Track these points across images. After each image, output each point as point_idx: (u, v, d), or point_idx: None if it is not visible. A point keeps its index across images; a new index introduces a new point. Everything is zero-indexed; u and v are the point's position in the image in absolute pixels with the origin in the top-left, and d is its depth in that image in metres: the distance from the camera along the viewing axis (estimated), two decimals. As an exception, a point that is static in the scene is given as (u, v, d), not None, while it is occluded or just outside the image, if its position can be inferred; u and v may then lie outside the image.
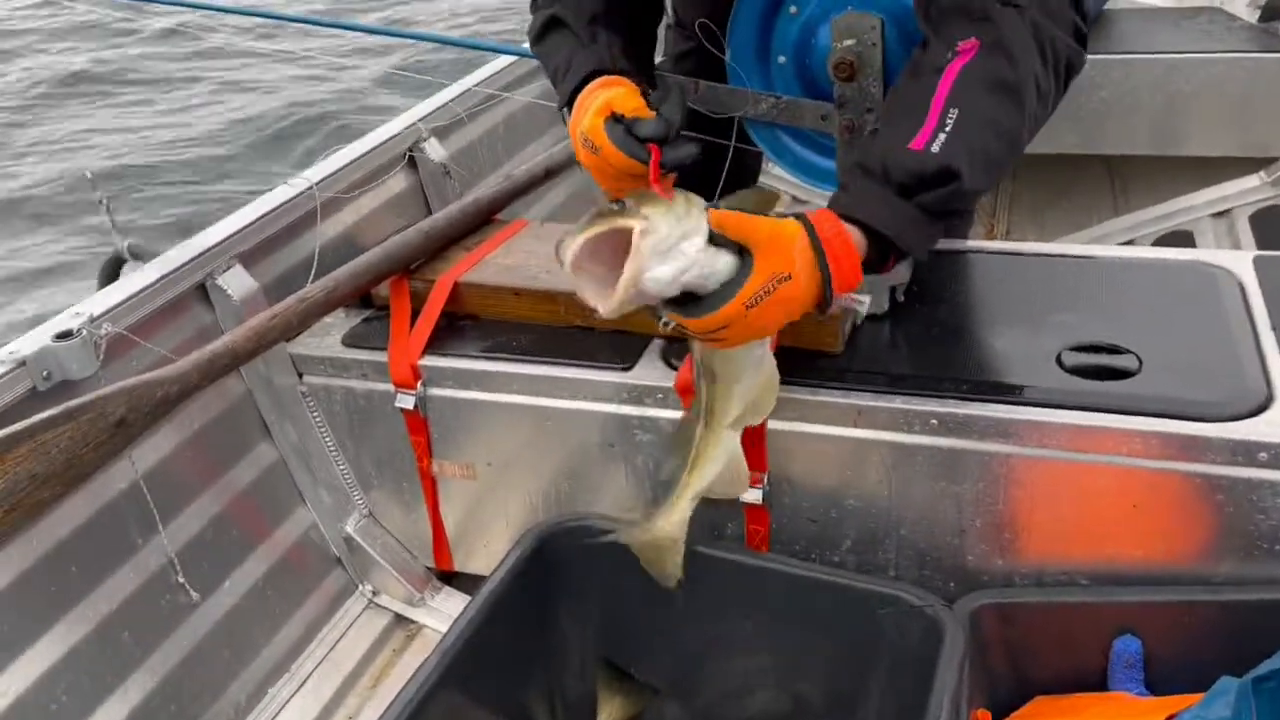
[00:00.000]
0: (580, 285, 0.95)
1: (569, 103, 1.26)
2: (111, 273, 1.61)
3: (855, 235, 1.03)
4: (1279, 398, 1.11)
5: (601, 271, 0.94)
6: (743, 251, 0.96)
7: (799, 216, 1.02)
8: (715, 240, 0.95)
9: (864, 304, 1.19)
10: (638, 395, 1.30)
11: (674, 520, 1.13)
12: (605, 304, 0.93)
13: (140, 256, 1.61)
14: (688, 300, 0.96)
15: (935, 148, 1.03)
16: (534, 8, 1.42)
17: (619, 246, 0.91)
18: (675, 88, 1.20)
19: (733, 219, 0.96)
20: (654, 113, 1.11)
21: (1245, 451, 1.07)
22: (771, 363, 1.11)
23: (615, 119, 1.13)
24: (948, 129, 1.03)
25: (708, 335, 0.98)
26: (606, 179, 1.17)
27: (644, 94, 1.20)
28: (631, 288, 0.90)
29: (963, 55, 1.06)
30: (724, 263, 0.95)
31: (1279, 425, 1.08)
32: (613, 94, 1.18)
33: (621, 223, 0.91)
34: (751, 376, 1.09)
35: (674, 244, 0.91)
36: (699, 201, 0.96)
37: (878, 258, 1.06)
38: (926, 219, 1.06)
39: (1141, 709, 1.07)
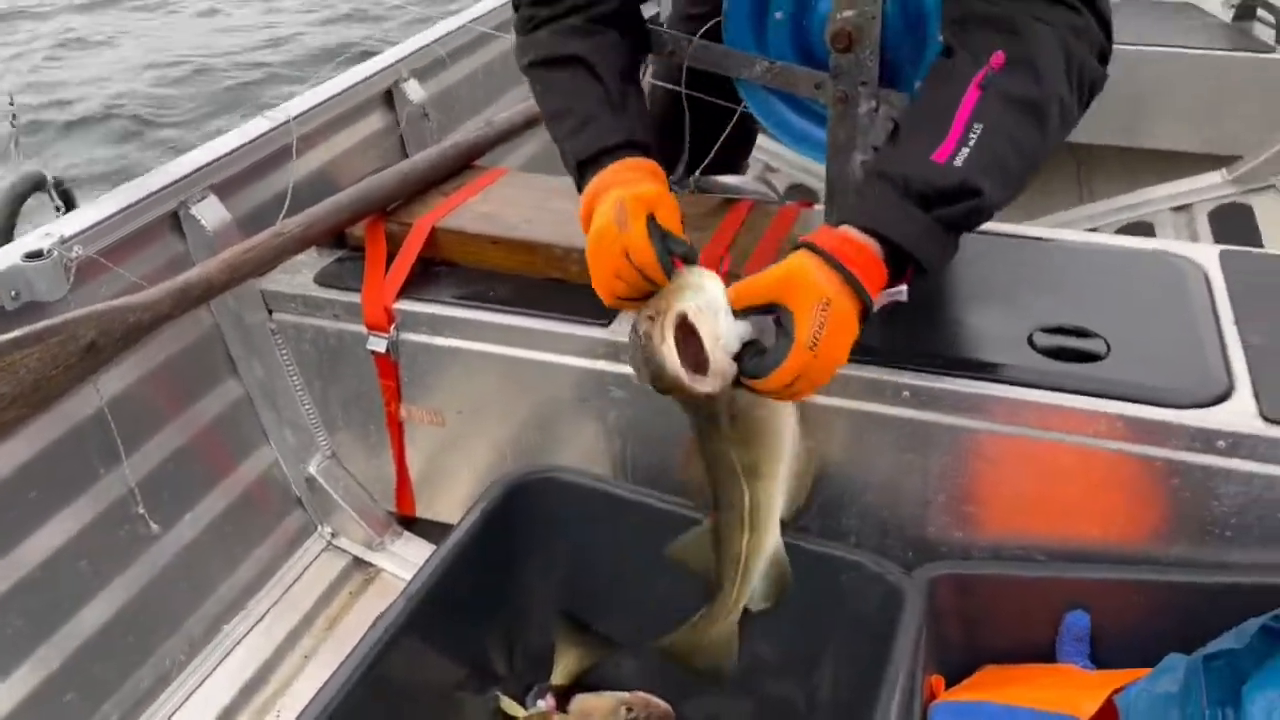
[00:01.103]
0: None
1: (589, 160, 1.18)
2: (15, 201, 1.43)
3: (871, 245, 1.01)
4: (1239, 389, 1.15)
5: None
6: (768, 310, 0.98)
7: (795, 248, 1.01)
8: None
9: (903, 292, 1.14)
10: (615, 352, 1.31)
11: (727, 627, 1.14)
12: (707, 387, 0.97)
13: (63, 191, 1.44)
14: (746, 370, 0.98)
15: (958, 162, 1.01)
16: (535, 26, 1.28)
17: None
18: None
19: (742, 289, 0.98)
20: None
21: (1204, 439, 1.10)
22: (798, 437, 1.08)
23: (651, 219, 1.07)
24: (970, 144, 1.01)
25: (785, 390, 0.97)
26: (606, 255, 1.08)
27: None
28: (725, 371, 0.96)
29: (989, 68, 1.03)
30: (746, 326, 0.98)
31: (1237, 415, 1.11)
32: (657, 195, 1.10)
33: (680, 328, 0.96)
34: (792, 460, 1.07)
35: (721, 328, 0.96)
36: (704, 273, 1.00)
37: (895, 270, 1.03)
38: (944, 232, 1.03)
39: (1087, 681, 1.10)
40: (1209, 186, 2.48)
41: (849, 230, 1.01)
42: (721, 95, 1.42)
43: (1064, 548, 1.21)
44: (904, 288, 1.11)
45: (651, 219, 1.06)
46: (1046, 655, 1.19)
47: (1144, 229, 2.52)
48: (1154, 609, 1.15)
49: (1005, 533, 1.23)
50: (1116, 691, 1.03)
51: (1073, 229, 2.48)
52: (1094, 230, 2.53)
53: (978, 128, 1.02)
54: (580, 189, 1.19)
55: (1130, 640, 1.14)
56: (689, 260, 1.03)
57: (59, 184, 1.44)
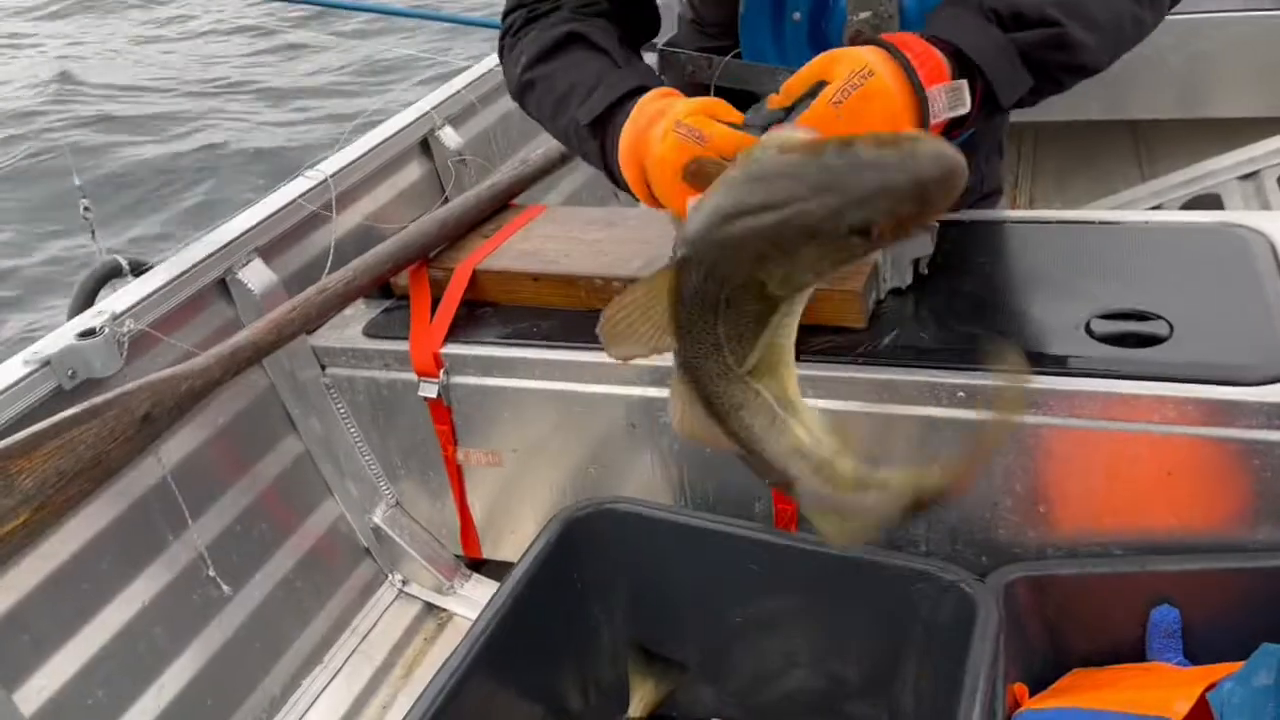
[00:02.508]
0: None
1: (597, 120, 1.13)
2: (93, 290, 1.47)
3: (934, 48, 0.96)
4: (1314, 359, 1.09)
5: None
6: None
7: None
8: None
9: (964, 100, 0.98)
10: (660, 377, 1.29)
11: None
12: None
13: (139, 271, 1.47)
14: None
15: None
16: (525, 28, 1.30)
17: None
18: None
19: (786, 86, 0.95)
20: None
21: (1280, 415, 1.05)
22: None
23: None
24: None
25: None
26: (674, 175, 1.01)
27: None
28: None
29: None
30: None
31: (1315, 387, 1.06)
32: (705, 102, 1.03)
33: None
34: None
35: None
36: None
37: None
38: (1020, 57, 0.99)
39: (1181, 679, 1.05)
40: (1275, 150, 2.37)
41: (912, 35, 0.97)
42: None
43: (1143, 541, 1.16)
44: (963, 85, 0.98)
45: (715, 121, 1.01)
46: (1137, 654, 1.14)
47: (1211, 201, 2.42)
48: (1246, 598, 1.09)
49: (1080, 530, 1.19)
50: (1210, 688, 0.98)
51: (1135, 209, 2.42)
52: (1158, 208, 2.45)
53: None
54: (604, 159, 1.14)
55: (1224, 632, 1.09)
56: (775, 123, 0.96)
57: (135, 267, 1.49)
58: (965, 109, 0.99)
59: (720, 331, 0.74)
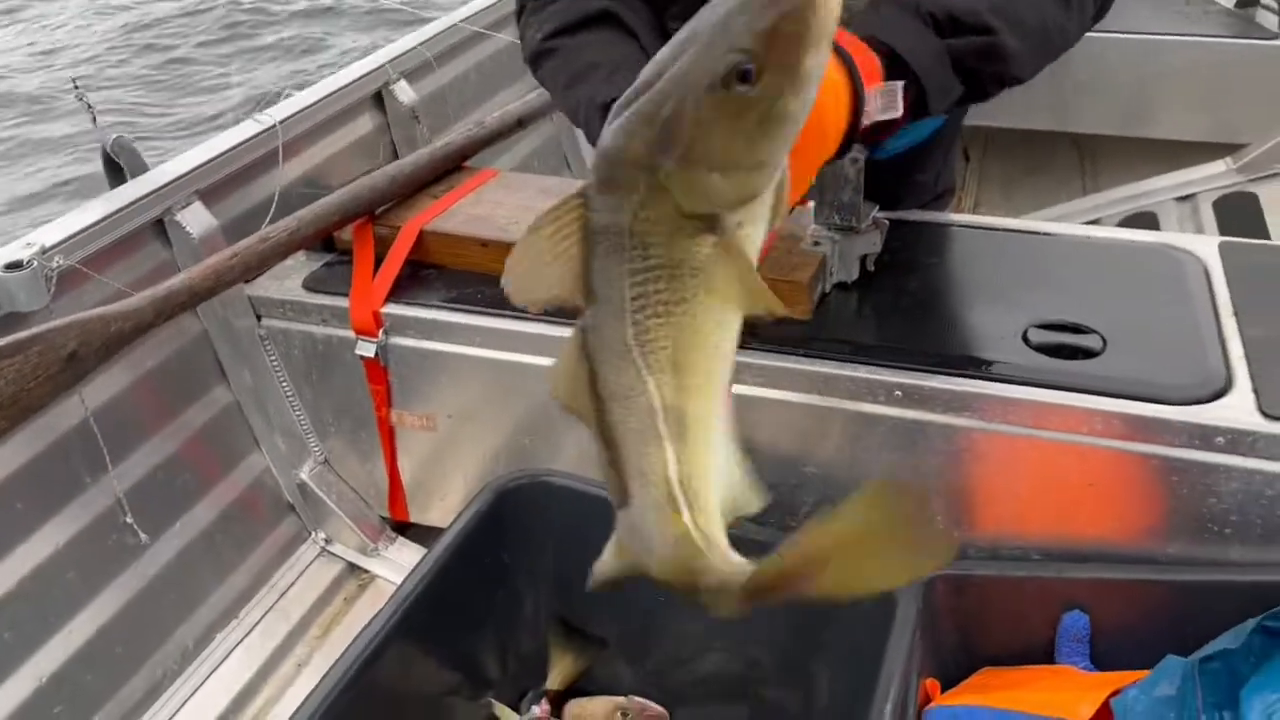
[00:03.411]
0: None
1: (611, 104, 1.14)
2: (113, 167, 1.45)
3: (868, 50, 0.97)
4: (1238, 383, 1.12)
5: None
6: None
7: None
8: None
9: (897, 105, 0.96)
10: (604, 353, 1.29)
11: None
12: None
13: (119, 157, 1.44)
14: None
15: None
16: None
17: None
18: None
19: None
20: None
21: (1203, 435, 1.08)
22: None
23: None
24: None
25: None
26: None
27: None
28: None
29: None
30: None
31: (1236, 410, 1.09)
32: None
33: None
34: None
35: None
36: None
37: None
38: (952, 63, 1.00)
39: (1087, 683, 1.09)
40: (1213, 175, 2.45)
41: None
42: None
43: (1061, 547, 1.19)
44: (898, 88, 0.97)
45: None
46: (1045, 657, 1.17)
47: (1148, 220, 2.49)
48: (1154, 609, 1.13)
49: (1001, 532, 1.21)
50: (1114, 694, 1.01)
51: (1075, 220, 2.47)
52: (1097, 221, 2.51)
53: None
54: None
55: (1130, 641, 1.12)
56: None
57: (118, 149, 1.44)
58: (897, 113, 0.97)
59: (626, 288, 0.61)
